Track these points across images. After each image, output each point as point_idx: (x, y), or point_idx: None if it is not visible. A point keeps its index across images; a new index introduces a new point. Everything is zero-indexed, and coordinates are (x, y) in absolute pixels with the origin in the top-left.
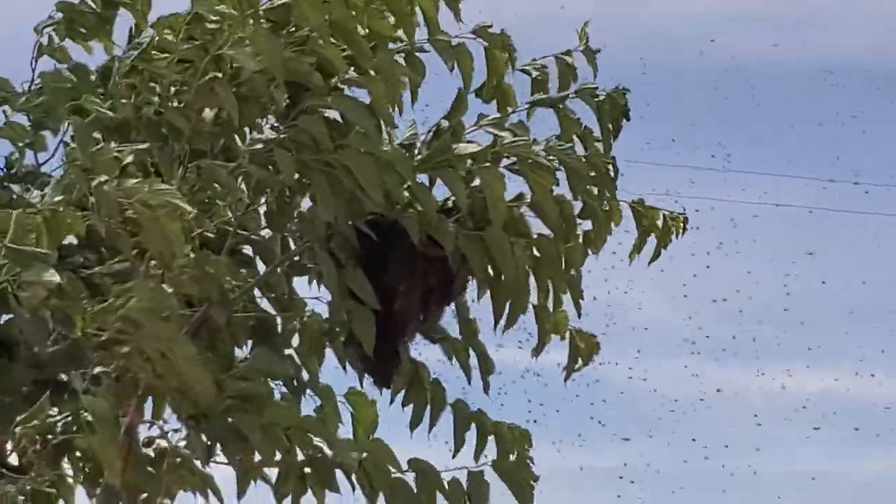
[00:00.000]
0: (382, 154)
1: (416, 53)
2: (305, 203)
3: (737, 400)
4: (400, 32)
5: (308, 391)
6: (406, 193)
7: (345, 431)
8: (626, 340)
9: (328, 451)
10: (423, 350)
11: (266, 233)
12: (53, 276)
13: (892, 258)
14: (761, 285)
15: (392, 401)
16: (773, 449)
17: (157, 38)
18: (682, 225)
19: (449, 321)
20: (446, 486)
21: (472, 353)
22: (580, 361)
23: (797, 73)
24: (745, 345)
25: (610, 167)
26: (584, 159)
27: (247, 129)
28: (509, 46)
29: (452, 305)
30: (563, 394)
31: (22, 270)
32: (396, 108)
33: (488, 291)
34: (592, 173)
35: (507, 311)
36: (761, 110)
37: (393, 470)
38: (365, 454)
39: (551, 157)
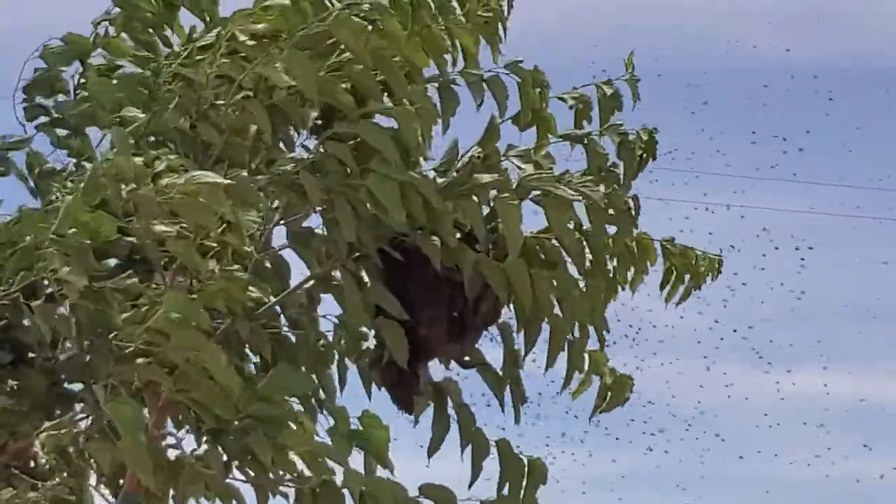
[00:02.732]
0: (406, 179)
1: (451, 86)
2: None
3: (749, 403)
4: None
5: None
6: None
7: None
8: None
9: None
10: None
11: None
12: (83, 278)
13: None
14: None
15: (416, 422)
16: (788, 450)
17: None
18: (717, 267)
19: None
20: None
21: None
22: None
23: None
24: (762, 346)
25: (631, 204)
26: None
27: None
28: (542, 82)
29: (498, 334)
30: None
31: (60, 266)
32: (428, 138)
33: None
34: (611, 211)
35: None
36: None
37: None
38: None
39: (572, 192)
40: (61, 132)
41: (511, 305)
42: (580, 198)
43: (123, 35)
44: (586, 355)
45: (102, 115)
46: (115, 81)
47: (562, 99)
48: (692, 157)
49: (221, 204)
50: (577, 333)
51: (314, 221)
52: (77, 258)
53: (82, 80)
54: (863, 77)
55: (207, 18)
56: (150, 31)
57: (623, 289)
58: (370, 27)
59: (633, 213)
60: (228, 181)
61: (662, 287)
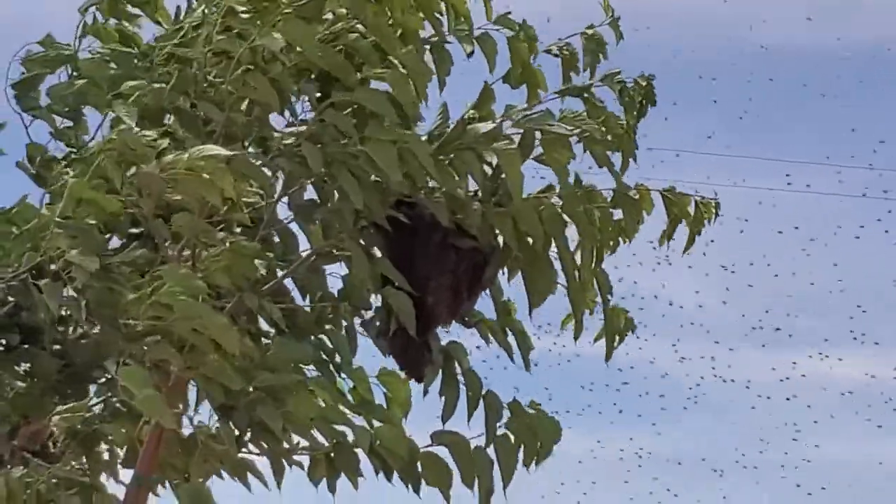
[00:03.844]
0: (401, 139)
1: (444, 45)
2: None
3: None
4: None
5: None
6: (430, 181)
7: None
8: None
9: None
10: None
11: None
12: (94, 260)
13: None
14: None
15: (426, 392)
16: (808, 434)
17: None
18: (714, 211)
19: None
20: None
21: (509, 332)
22: (617, 339)
23: None
24: (771, 331)
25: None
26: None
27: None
28: (531, 35)
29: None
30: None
31: (67, 247)
32: (424, 100)
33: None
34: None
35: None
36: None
37: (401, 452)
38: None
39: (569, 128)
40: (58, 121)
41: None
42: (577, 132)
43: (112, 21)
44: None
45: (97, 93)
46: (110, 63)
47: (548, 51)
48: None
49: (225, 179)
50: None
51: (311, 195)
52: (85, 239)
53: (74, 73)
54: None
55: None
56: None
57: (625, 241)
58: None
59: (632, 136)
60: (231, 153)
61: (667, 237)
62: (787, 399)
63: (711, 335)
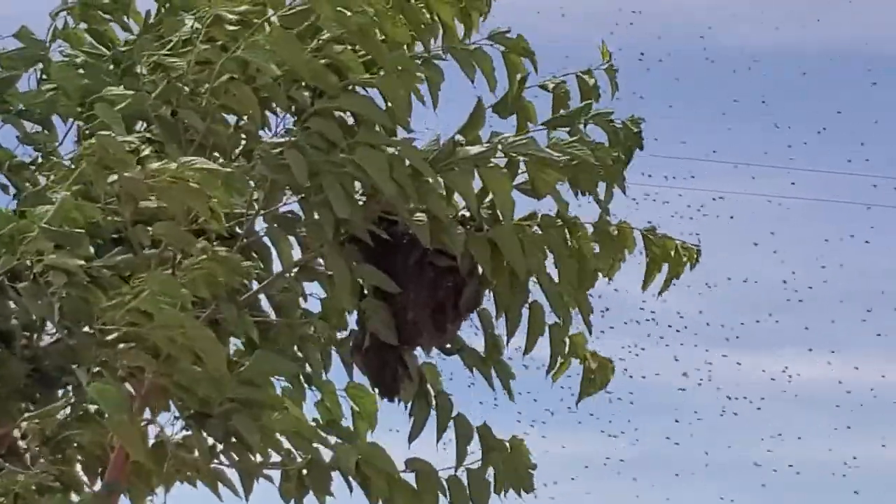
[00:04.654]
0: (395, 145)
1: (434, 62)
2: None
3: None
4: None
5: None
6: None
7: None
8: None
9: (325, 455)
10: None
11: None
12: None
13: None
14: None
15: (409, 410)
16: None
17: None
18: (695, 256)
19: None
20: (446, 486)
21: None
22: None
23: None
24: (743, 332)
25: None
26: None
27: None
28: (528, 51)
29: (477, 322)
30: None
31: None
32: (412, 116)
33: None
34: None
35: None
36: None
37: (390, 471)
38: (359, 457)
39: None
40: (27, 125)
41: (490, 293)
42: (567, 158)
43: (82, 24)
44: (567, 339)
45: (66, 104)
46: (80, 70)
47: (544, 87)
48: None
49: (216, 189)
50: (559, 319)
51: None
52: (73, 245)
53: (44, 77)
54: None
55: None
56: (109, 17)
57: (604, 276)
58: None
59: (622, 166)
60: (226, 169)
61: (648, 281)
62: (757, 402)
63: (679, 338)
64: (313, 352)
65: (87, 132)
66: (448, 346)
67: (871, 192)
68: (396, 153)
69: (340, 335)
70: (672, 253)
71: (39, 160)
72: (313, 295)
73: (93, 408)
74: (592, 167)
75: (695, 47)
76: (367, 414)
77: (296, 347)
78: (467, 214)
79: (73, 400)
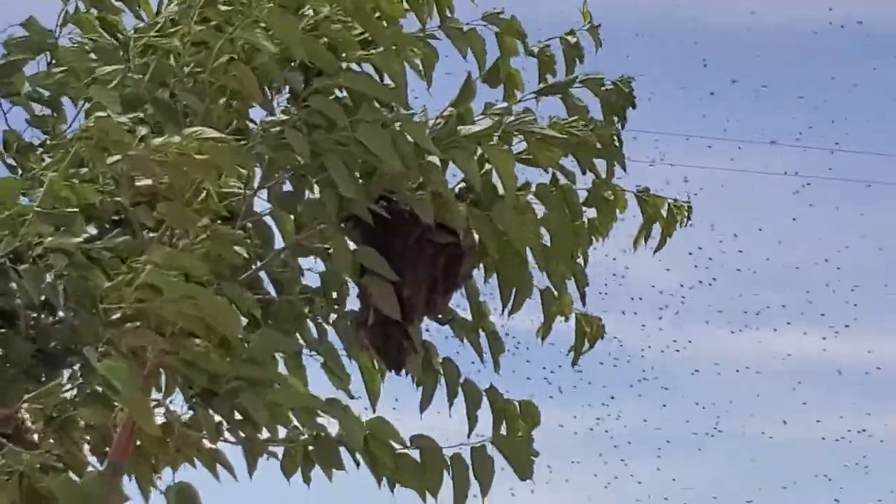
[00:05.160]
0: (399, 119)
1: (428, 40)
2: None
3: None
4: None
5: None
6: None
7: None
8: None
9: (332, 430)
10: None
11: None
12: (75, 239)
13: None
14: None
15: (418, 383)
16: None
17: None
18: (686, 214)
19: (459, 302)
20: (449, 462)
21: (481, 332)
22: (587, 344)
23: None
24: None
25: (615, 139)
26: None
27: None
28: (520, 32)
29: (462, 290)
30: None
31: (47, 235)
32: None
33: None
34: (599, 146)
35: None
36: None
37: (397, 446)
38: (367, 432)
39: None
40: (36, 108)
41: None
42: (566, 136)
43: (94, 10)
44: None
45: (76, 84)
46: (90, 54)
47: (531, 53)
48: None
49: (225, 160)
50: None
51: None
52: (67, 225)
53: (52, 61)
54: None
55: None
56: (120, 4)
57: (598, 239)
58: None
59: (619, 146)
60: (231, 138)
61: (639, 238)
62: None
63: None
64: (306, 329)
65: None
66: (440, 316)
67: None
68: (398, 130)
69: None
70: (664, 211)
71: (47, 143)
72: (312, 270)
73: (100, 388)
74: (593, 146)
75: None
76: (371, 373)
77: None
78: (462, 187)
79: (80, 380)
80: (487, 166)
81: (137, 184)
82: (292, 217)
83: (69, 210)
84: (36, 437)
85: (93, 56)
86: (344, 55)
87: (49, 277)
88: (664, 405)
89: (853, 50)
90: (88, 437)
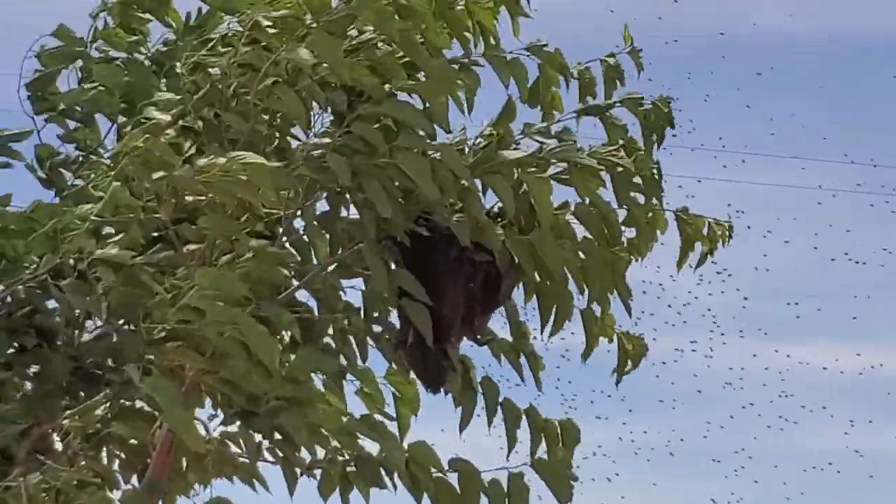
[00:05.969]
0: (437, 149)
1: (472, 67)
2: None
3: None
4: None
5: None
6: (452, 200)
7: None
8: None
9: (373, 450)
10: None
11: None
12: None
13: None
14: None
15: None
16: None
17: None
18: (727, 233)
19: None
20: (487, 486)
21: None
22: (629, 364)
23: None
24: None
25: (655, 172)
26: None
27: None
28: (562, 64)
29: (502, 308)
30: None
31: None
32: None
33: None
34: (638, 179)
35: (552, 317)
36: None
37: (435, 470)
38: (407, 454)
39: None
40: (70, 124)
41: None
42: (605, 167)
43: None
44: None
45: (109, 101)
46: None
47: (570, 78)
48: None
49: (267, 183)
50: (594, 305)
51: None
52: (126, 232)
53: (84, 75)
54: None
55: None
56: (148, 16)
57: (638, 260)
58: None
59: (658, 178)
60: (275, 164)
61: (682, 260)
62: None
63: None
64: (348, 345)
65: (126, 130)
66: (478, 336)
67: None
68: (437, 157)
69: (377, 329)
70: (704, 231)
71: (80, 159)
72: (355, 287)
73: (138, 404)
74: (632, 181)
75: None
76: (408, 399)
77: (332, 341)
78: (501, 207)
79: (116, 397)
80: (525, 186)
81: (184, 200)
82: (327, 236)
83: (130, 216)
84: (69, 454)
85: (124, 70)
86: (388, 80)
87: (95, 291)
88: (706, 421)
89: None
90: (123, 454)
